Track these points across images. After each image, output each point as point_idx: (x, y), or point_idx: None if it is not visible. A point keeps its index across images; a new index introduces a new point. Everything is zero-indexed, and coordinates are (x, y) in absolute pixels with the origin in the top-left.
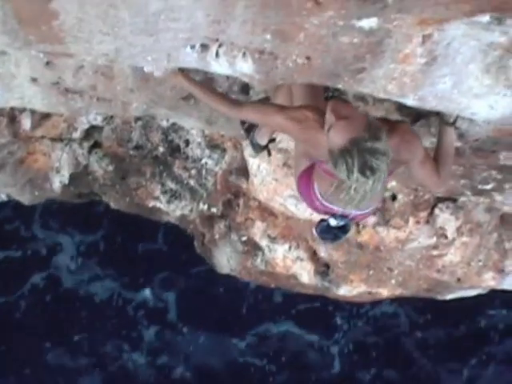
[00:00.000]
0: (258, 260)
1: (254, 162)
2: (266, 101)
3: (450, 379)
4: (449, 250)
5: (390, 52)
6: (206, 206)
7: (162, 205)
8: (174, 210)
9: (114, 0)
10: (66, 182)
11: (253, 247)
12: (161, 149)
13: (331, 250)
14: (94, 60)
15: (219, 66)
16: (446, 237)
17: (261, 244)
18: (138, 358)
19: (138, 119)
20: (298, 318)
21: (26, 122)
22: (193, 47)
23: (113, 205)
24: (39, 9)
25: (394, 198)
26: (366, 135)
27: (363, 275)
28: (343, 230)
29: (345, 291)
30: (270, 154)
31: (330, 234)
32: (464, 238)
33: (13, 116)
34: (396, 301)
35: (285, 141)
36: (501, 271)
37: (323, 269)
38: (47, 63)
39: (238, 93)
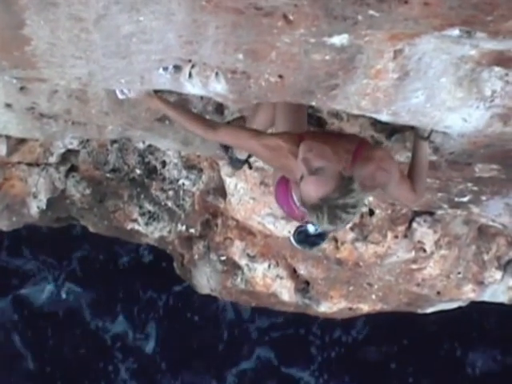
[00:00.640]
0: (238, 279)
1: (231, 182)
2: (241, 123)
3: None
4: (428, 263)
5: (363, 68)
6: (184, 227)
7: (140, 227)
8: (152, 232)
9: (85, 24)
10: (44, 206)
11: (232, 267)
12: (138, 171)
13: (311, 267)
14: (68, 84)
15: (193, 87)
16: (424, 250)
17: (240, 263)
18: None
19: (113, 142)
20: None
21: (1, 148)
22: (166, 69)
23: (91, 228)
24: (11, 35)
25: (371, 213)
26: (336, 191)
27: (343, 291)
28: (321, 236)
29: (325, 308)
30: (250, 167)
31: (308, 241)
32: (442, 251)
33: None
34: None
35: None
36: (480, 283)
37: (303, 286)
38: (21, 88)
39: (213, 113)
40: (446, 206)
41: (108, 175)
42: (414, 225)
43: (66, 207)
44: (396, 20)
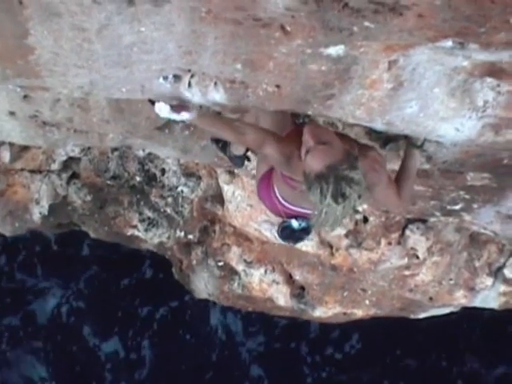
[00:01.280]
0: (235, 284)
1: (229, 189)
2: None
3: None
4: (420, 269)
5: (358, 78)
6: (182, 233)
7: (140, 233)
8: (151, 238)
9: (87, 34)
10: (46, 212)
11: (229, 272)
12: (137, 178)
13: (306, 273)
14: (70, 93)
15: (192, 96)
16: (417, 257)
17: (237, 268)
18: None
19: (114, 150)
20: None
21: (5, 155)
22: (166, 78)
23: (92, 234)
24: (16, 44)
25: (365, 220)
26: (343, 163)
27: (338, 296)
28: (305, 231)
29: (320, 312)
30: (249, 159)
31: (293, 236)
32: (435, 258)
33: None
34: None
35: None
36: (471, 289)
37: (299, 291)
38: (24, 97)
39: None
40: (438, 213)
41: (109, 182)
42: (407, 232)
43: (67, 213)
44: (391, 31)
